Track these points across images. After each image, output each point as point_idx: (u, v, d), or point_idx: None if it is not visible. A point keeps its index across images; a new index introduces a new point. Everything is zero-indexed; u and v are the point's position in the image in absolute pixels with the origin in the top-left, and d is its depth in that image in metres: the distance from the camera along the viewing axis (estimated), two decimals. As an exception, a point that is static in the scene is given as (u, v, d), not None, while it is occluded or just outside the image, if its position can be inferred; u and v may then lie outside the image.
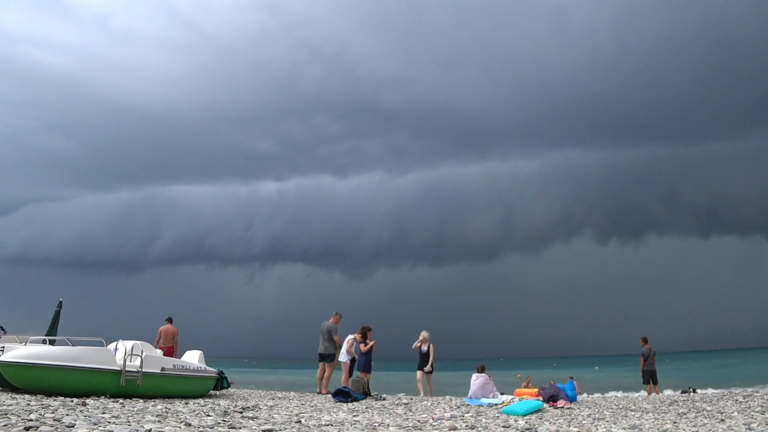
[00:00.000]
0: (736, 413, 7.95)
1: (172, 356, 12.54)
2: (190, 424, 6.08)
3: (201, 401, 10.01)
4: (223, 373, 12.82)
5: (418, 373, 15.02)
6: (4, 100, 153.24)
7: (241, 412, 8.04)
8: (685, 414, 8.21)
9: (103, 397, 9.03)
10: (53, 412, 6.33)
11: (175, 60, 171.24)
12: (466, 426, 7.06)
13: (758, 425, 6.48)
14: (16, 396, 8.57)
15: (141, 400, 9.02)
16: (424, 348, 15.00)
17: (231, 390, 13.75)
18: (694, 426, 6.72)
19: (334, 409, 9.43)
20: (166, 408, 8.06)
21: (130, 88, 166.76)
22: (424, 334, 15.10)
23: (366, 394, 12.12)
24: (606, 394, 18.73)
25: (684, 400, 10.67)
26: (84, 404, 7.63)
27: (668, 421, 7.21)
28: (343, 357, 13.96)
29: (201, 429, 5.77)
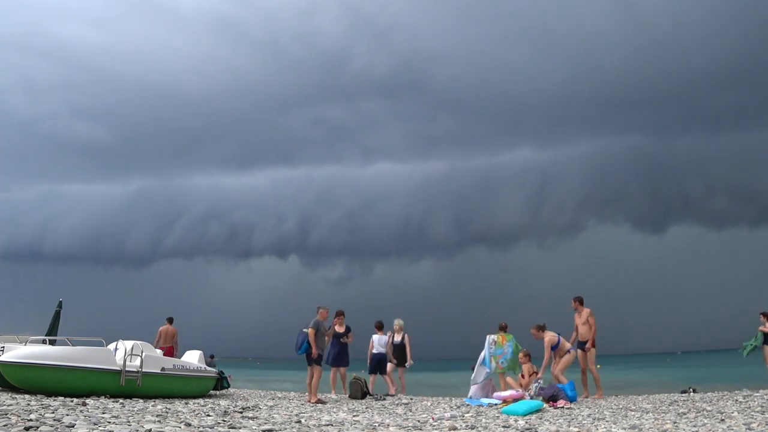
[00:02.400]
0: (736, 413, 7.94)
1: (171, 357, 12.55)
2: (190, 424, 6.08)
3: (201, 401, 10.02)
4: (224, 373, 12.85)
5: (390, 367, 13.20)
6: (31, 84, 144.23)
7: (241, 412, 8.05)
8: (685, 414, 8.20)
9: (103, 397, 9.03)
10: (53, 412, 6.34)
11: (217, 33, 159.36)
12: (466, 426, 7.06)
13: (758, 425, 6.47)
14: (16, 396, 8.58)
15: (141, 400, 9.02)
16: (398, 338, 13.18)
17: (231, 390, 13.76)
18: (694, 426, 6.71)
19: (334, 409, 9.44)
20: (166, 408, 8.07)
21: (167, 65, 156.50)
22: (399, 322, 13.32)
23: (365, 393, 12.09)
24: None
25: (684, 400, 10.66)
26: (84, 404, 7.64)
27: (668, 421, 7.20)
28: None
29: (201, 429, 5.77)
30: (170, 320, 15.33)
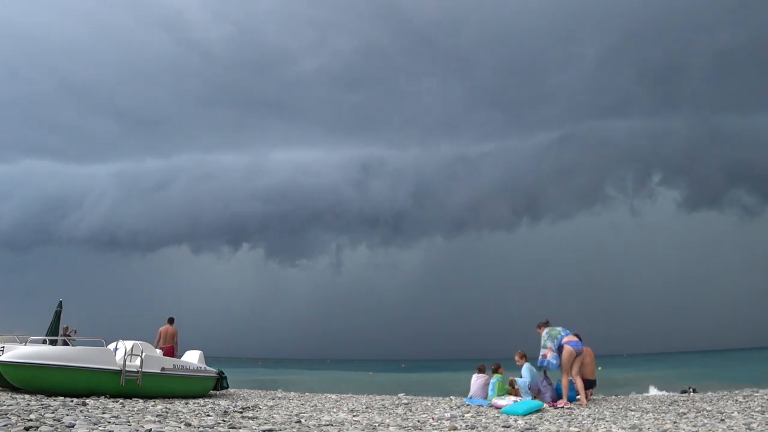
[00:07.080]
0: (736, 413, 7.94)
1: (172, 357, 12.55)
2: (190, 424, 6.08)
3: (201, 401, 10.02)
4: (223, 373, 12.85)
5: None
6: (70, 47, 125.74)
7: (241, 412, 8.05)
8: (685, 414, 8.20)
9: (103, 397, 9.04)
10: (53, 412, 6.34)
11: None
12: (466, 426, 7.06)
13: (758, 425, 6.47)
14: (16, 396, 8.58)
15: (141, 400, 9.03)
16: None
17: (231, 390, 13.76)
18: (694, 426, 6.71)
19: (334, 409, 9.44)
20: (166, 408, 8.07)
21: (232, 23, 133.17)
22: None
23: None
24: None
25: (684, 400, 10.67)
26: (84, 404, 7.65)
27: (668, 421, 7.21)
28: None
29: (201, 429, 5.77)
30: (171, 320, 15.30)
